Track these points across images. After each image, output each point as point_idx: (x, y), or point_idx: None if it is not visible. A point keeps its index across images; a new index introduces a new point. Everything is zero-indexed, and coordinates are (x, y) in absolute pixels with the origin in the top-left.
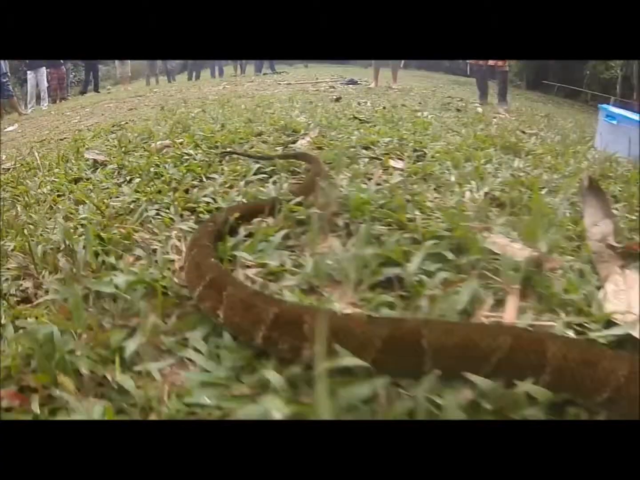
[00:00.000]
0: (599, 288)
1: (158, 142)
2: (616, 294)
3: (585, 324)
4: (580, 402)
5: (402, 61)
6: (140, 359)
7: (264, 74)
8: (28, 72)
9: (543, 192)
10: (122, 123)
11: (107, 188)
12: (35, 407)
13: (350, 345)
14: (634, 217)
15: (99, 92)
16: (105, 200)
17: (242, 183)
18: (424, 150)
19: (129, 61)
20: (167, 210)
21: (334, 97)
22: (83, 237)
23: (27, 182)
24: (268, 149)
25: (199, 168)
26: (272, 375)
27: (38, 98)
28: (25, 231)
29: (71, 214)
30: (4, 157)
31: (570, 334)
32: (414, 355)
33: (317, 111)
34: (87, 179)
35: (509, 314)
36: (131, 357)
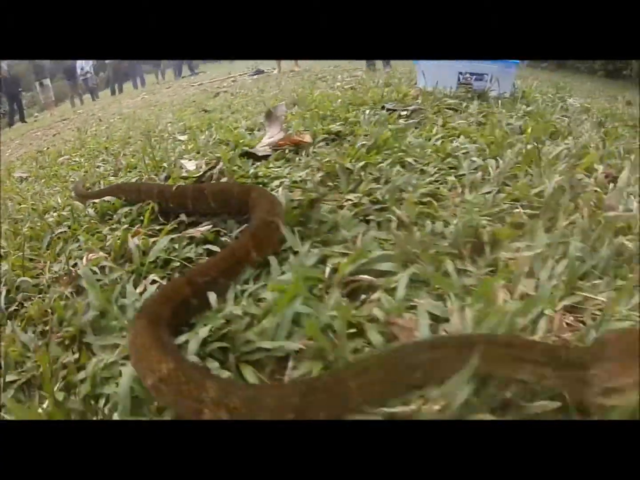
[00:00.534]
0: None
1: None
2: None
3: None
4: None
5: None
6: None
7: (183, 77)
8: None
9: None
10: (44, 149)
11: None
12: None
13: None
14: None
15: (25, 121)
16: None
17: None
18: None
19: (50, 85)
20: None
21: (219, 92)
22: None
23: None
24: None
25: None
26: None
27: None
28: None
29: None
30: None
31: None
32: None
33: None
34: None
35: None
36: None
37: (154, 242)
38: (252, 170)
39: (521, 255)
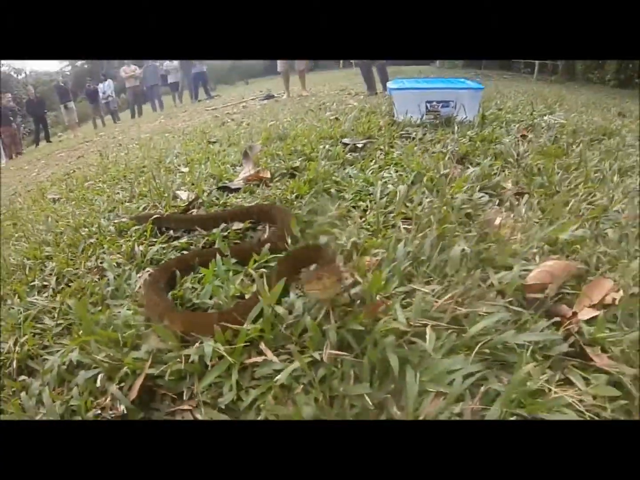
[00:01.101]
0: None
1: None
2: None
3: None
4: None
5: (305, 66)
6: None
7: (199, 100)
8: None
9: None
10: (71, 172)
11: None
12: None
13: None
14: None
15: (50, 141)
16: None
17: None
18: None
19: (74, 108)
20: None
21: (226, 120)
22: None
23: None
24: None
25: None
26: None
27: None
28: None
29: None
30: None
31: None
32: None
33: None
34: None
35: None
36: None
37: (151, 248)
38: (222, 200)
39: (374, 258)
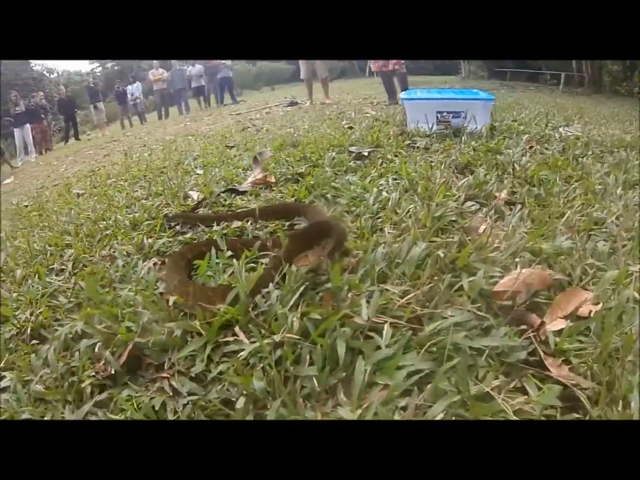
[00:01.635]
0: None
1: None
2: None
3: None
4: None
5: (327, 74)
6: None
7: (225, 105)
8: (14, 129)
9: None
10: (96, 169)
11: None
12: None
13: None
14: None
15: (79, 139)
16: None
17: None
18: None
19: (103, 108)
20: None
21: (247, 126)
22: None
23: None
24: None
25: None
26: None
27: (25, 151)
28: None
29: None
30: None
31: None
32: None
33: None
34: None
35: None
36: None
37: (157, 241)
38: (228, 201)
39: (354, 259)
